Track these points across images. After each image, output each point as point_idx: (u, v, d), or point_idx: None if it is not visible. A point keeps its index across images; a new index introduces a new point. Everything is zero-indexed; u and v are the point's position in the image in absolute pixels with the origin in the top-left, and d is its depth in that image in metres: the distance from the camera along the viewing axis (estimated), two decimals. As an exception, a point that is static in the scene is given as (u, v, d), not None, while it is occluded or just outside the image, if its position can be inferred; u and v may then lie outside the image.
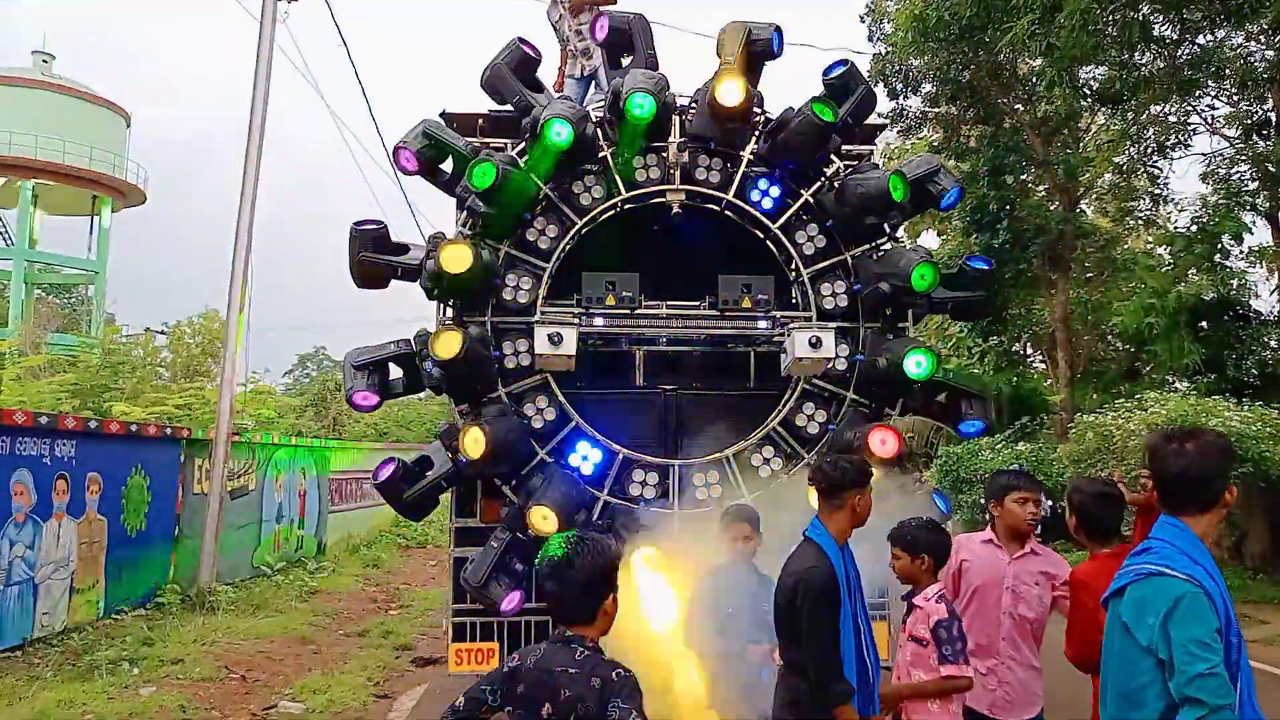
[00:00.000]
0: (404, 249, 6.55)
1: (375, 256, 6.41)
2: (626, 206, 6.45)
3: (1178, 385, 16.94)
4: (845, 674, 3.61)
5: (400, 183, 11.80)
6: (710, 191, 6.43)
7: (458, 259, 5.74)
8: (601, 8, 7.03)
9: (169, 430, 12.57)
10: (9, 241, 37.83)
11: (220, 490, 12.61)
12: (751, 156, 6.43)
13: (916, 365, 5.97)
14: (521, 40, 6.57)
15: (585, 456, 6.26)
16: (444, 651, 7.20)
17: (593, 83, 7.46)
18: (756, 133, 6.49)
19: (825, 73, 6.50)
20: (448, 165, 6.39)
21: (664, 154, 6.41)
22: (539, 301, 6.26)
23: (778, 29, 6.37)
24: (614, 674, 2.83)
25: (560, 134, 5.81)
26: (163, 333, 30.84)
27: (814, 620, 3.63)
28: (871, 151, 7.03)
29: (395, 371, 6.64)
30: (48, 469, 9.57)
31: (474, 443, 5.65)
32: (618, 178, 6.35)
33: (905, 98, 20.88)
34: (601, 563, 2.95)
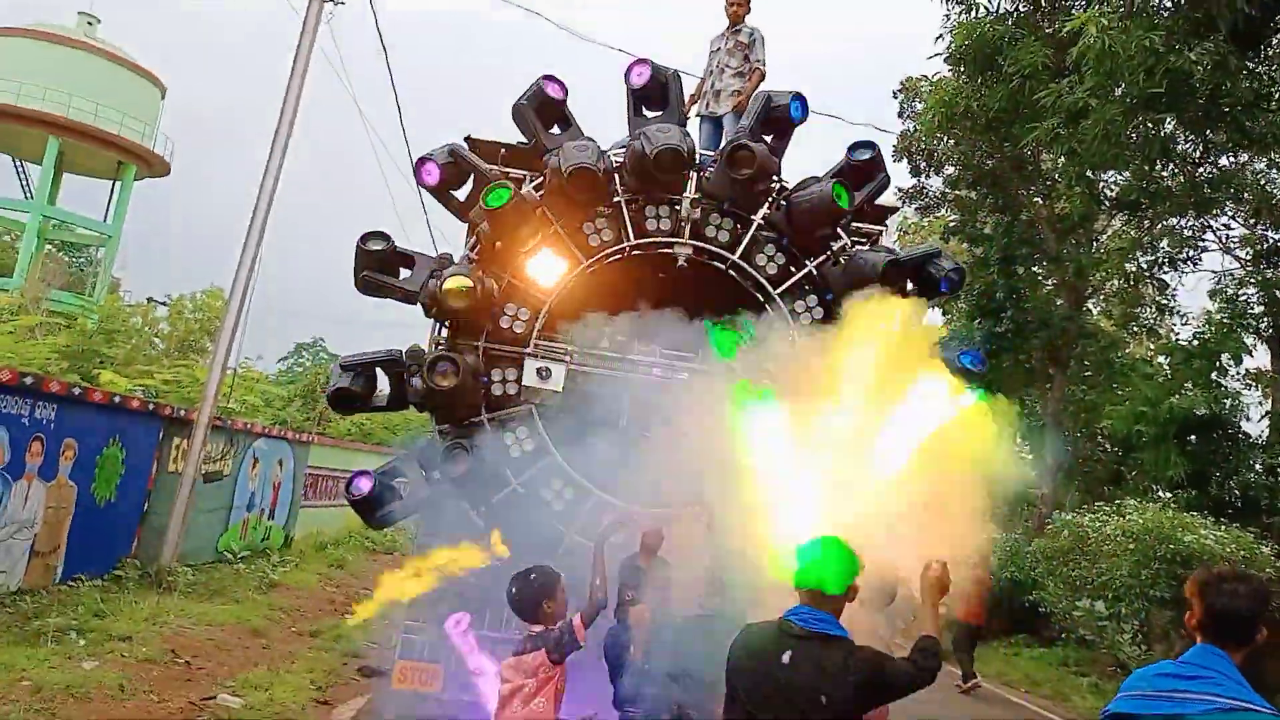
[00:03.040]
0: (409, 261, 6.61)
1: (377, 277, 6.49)
2: (633, 253, 6.52)
3: (1161, 494, 16.94)
4: None
5: (420, 193, 11.84)
6: (717, 250, 6.50)
7: (457, 294, 5.83)
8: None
9: (151, 406, 12.57)
10: (29, 194, 37.99)
11: (195, 472, 12.59)
12: (762, 221, 6.51)
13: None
14: (548, 78, 6.63)
15: (559, 492, 6.28)
16: (391, 665, 7.17)
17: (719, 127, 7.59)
18: (770, 198, 6.57)
19: (850, 152, 6.53)
20: (463, 192, 6.49)
21: (677, 207, 6.49)
22: (534, 334, 6.31)
23: (798, 95, 6.46)
24: None
25: None
26: (164, 304, 30.93)
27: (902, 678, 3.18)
28: (881, 232, 7.10)
29: (384, 383, 6.71)
30: (25, 429, 9.56)
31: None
32: (629, 223, 6.43)
33: (927, 176, 21.21)
34: None
